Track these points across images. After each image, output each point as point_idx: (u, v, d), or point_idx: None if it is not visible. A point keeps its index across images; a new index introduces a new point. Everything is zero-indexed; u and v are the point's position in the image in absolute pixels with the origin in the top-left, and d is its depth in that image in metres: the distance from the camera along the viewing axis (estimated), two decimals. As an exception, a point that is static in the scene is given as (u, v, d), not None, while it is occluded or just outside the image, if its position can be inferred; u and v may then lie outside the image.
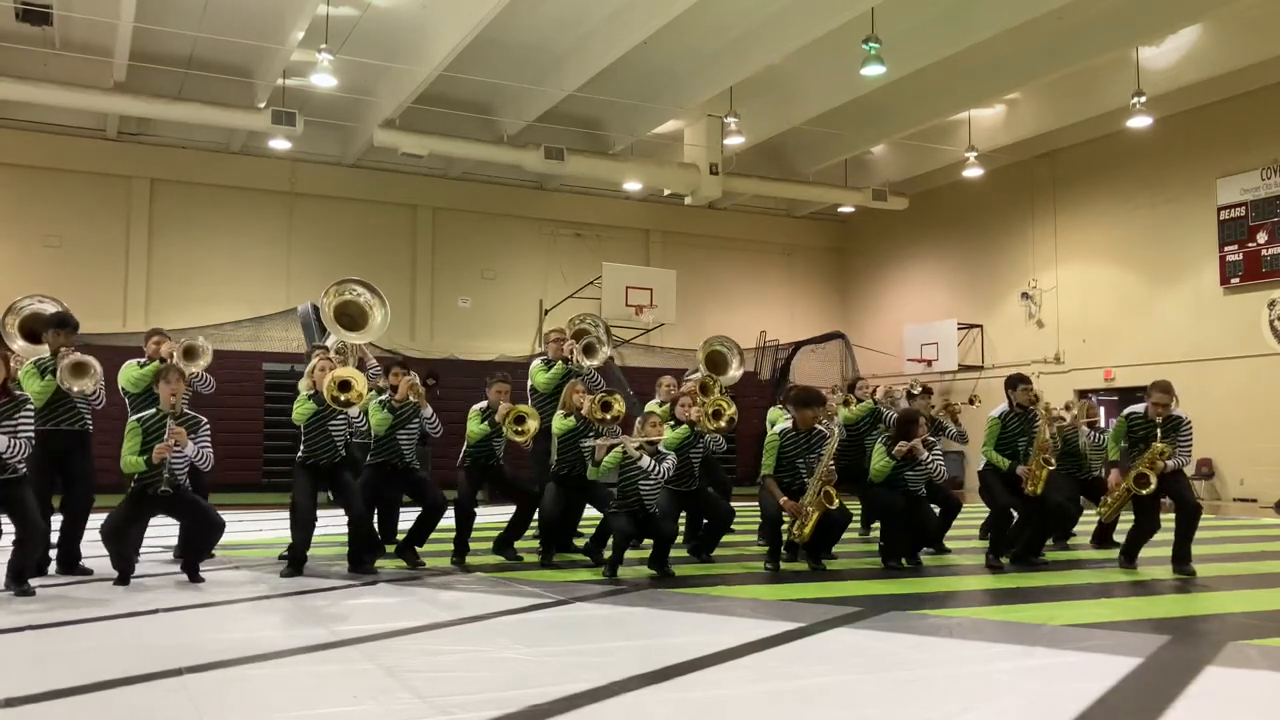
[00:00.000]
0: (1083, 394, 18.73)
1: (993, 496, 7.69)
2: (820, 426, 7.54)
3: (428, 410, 7.50)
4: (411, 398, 7.38)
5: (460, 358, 19.02)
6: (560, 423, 7.68)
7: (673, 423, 7.57)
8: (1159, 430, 7.12)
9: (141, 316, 17.15)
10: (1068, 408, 8.54)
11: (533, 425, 7.47)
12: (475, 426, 7.69)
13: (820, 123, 17.44)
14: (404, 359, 7.86)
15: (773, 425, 8.45)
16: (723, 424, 7.62)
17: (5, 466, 5.84)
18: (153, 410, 6.59)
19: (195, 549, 6.64)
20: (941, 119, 17.91)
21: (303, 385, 7.23)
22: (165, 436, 6.33)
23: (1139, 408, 7.33)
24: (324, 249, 18.70)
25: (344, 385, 6.70)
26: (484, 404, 7.80)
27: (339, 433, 6.98)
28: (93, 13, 13.93)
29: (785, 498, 7.25)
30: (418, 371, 7.91)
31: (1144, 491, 7.13)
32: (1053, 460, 7.51)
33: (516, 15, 13.79)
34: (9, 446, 5.77)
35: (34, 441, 6.05)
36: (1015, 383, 7.78)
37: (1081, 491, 8.96)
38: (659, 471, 6.96)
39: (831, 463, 7.30)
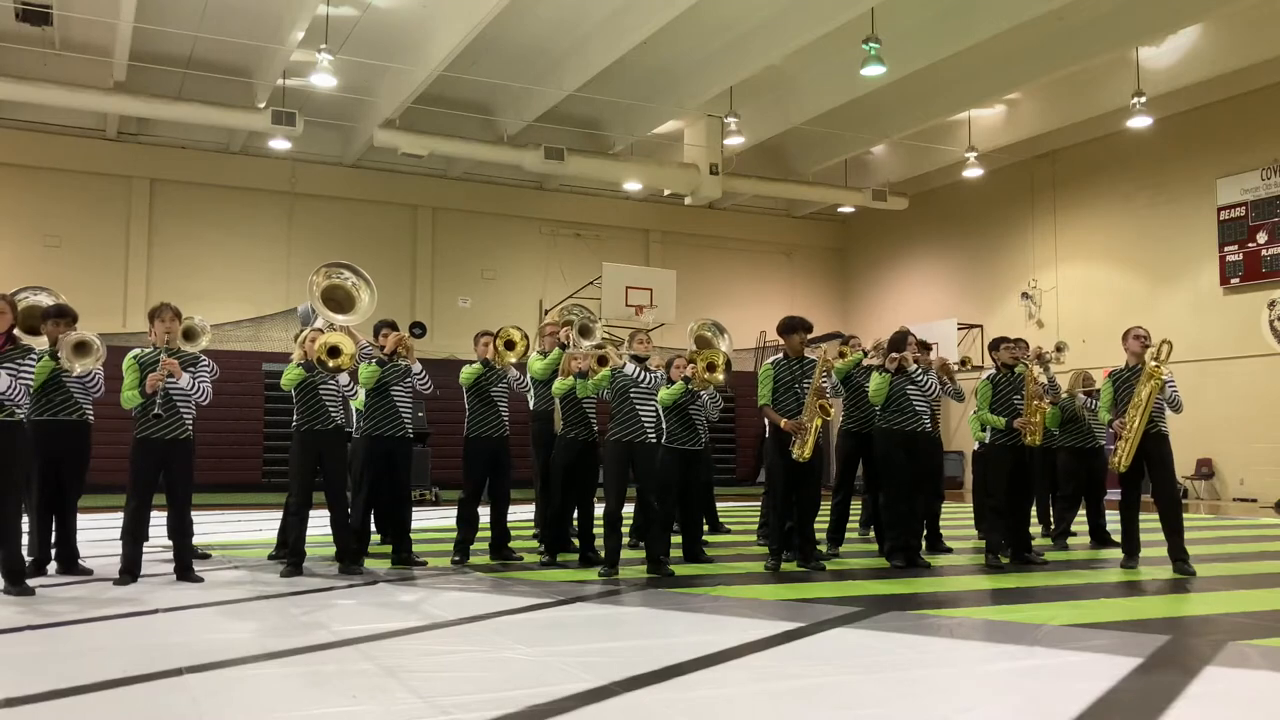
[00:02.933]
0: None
1: (986, 488, 7.71)
2: (809, 354, 7.57)
3: (417, 366, 7.49)
4: (400, 352, 7.38)
5: (460, 358, 18.99)
6: (561, 384, 7.75)
7: (668, 381, 7.63)
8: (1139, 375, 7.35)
9: (141, 316, 16.99)
10: (1044, 356, 8.77)
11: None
12: (468, 370, 7.76)
13: (820, 123, 17.44)
14: (391, 320, 7.80)
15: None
16: (719, 376, 7.63)
17: (2, 407, 5.77)
18: (151, 347, 6.62)
19: (178, 529, 6.64)
20: (941, 119, 17.91)
21: (294, 356, 7.24)
22: (158, 368, 6.35)
23: (1119, 365, 7.59)
24: (324, 249, 18.64)
25: (333, 351, 6.72)
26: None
27: (331, 399, 6.97)
28: (92, 13, 13.93)
29: (785, 419, 7.28)
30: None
31: (1160, 379, 7.17)
32: (1045, 404, 7.60)
33: (516, 15, 13.79)
34: (9, 387, 5.69)
35: (31, 392, 6.03)
36: (997, 344, 8.00)
37: (1089, 464, 9.02)
38: (648, 380, 7.03)
39: (824, 381, 7.38)
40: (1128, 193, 18.06)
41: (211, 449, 13.96)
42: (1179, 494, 7.41)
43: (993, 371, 7.87)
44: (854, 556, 8.14)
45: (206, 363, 6.78)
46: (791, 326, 7.60)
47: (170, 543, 6.81)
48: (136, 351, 6.60)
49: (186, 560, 6.62)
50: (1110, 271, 18.34)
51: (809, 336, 7.66)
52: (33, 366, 5.96)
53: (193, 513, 6.78)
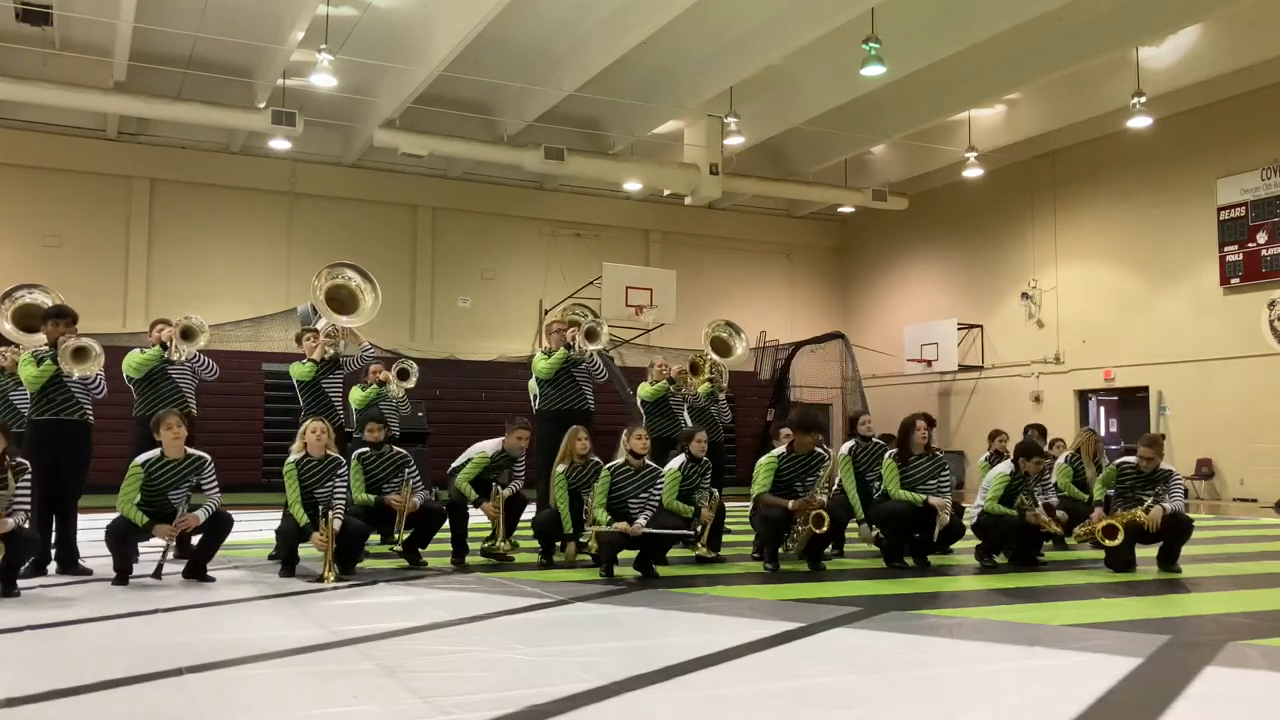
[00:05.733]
0: (1083, 395, 18.84)
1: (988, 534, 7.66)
2: (819, 450, 7.54)
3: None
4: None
5: (460, 358, 19.04)
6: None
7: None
8: (1146, 481, 7.28)
9: (141, 316, 17.14)
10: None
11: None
12: (471, 473, 7.62)
13: (820, 123, 17.44)
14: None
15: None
16: (701, 378, 7.53)
17: None
18: (156, 453, 6.52)
19: (204, 551, 6.64)
20: (941, 119, 17.92)
21: (294, 449, 7.18)
22: (176, 518, 6.38)
23: (1131, 459, 7.45)
24: (324, 249, 18.65)
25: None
26: (497, 443, 7.72)
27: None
28: (93, 13, 13.93)
29: (788, 500, 7.26)
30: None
31: (1109, 543, 7.12)
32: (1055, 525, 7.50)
33: (516, 15, 13.79)
34: None
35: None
36: (1030, 453, 7.61)
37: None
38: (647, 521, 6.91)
39: (827, 489, 7.40)
40: (1128, 193, 18.07)
41: (211, 449, 13.92)
42: (1191, 521, 7.37)
43: (1012, 468, 7.63)
44: (854, 557, 8.14)
45: (211, 467, 6.72)
46: (808, 427, 7.52)
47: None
48: (146, 459, 6.47)
49: (202, 561, 6.62)
50: (1110, 271, 18.33)
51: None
52: None
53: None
